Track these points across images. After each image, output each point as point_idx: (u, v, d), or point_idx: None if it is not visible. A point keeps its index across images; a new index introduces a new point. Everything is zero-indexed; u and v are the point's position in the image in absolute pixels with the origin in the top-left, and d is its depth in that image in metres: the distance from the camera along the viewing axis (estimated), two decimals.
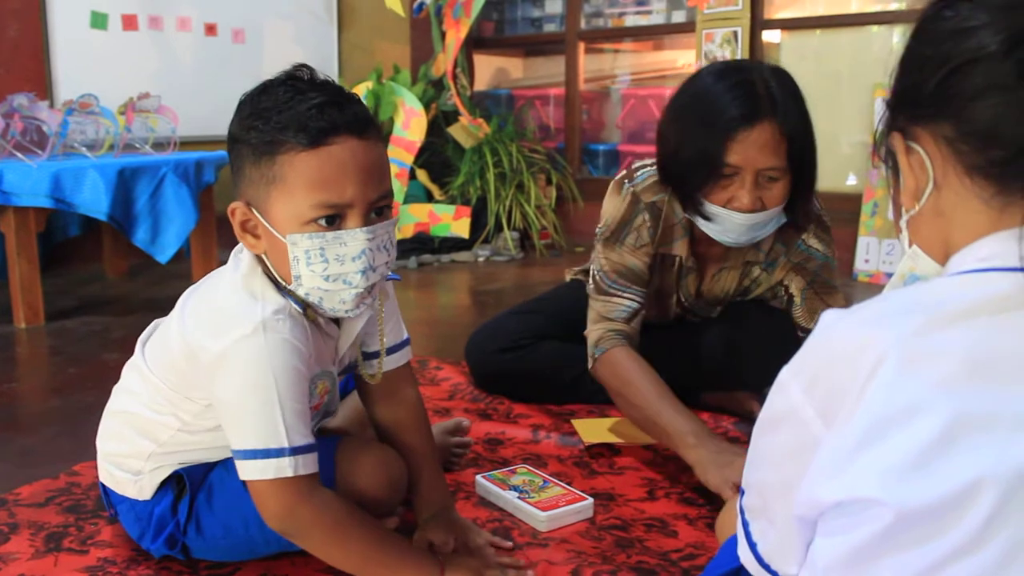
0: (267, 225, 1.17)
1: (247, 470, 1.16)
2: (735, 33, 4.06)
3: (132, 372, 1.37)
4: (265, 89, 1.17)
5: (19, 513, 1.53)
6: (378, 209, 1.18)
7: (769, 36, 4.12)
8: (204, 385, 1.21)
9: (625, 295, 1.78)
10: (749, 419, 2.00)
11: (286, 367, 1.15)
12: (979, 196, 0.74)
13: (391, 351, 1.43)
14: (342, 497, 1.21)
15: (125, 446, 1.34)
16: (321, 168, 1.12)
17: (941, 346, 0.67)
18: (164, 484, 1.33)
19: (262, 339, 1.14)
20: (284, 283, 1.21)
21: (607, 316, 1.77)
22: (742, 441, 1.89)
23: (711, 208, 1.64)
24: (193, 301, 1.27)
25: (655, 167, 1.78)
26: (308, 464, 1.16)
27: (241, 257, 1.25)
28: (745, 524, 0.89)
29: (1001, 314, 0.68)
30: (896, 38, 3.87)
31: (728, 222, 1.64)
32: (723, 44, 4.11)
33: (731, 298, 1.98)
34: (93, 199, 2.90)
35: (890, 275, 3.76)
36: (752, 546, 0.88)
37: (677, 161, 1.65)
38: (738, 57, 4.04)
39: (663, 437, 1.63)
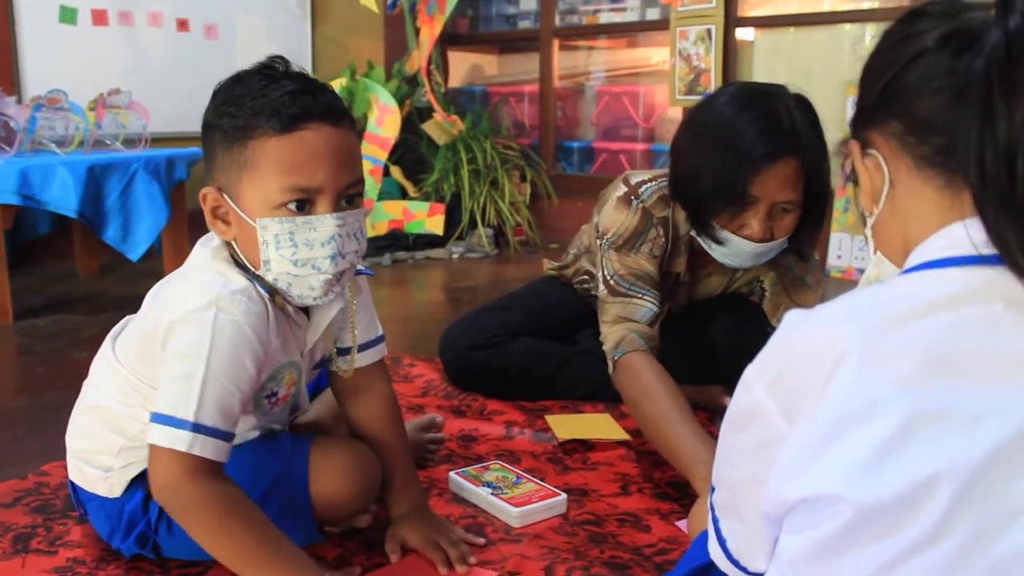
0: (237, 210, 1.18)
1: (151, 433, 1.13)
2: (709, 31, 4.08)
3: (101, 365, 1.36)
4: (239, 78, 1.18)
5: None
6: (349, 197, 1.19)
7: (743, 34, 4.14)
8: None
9: (646, 298, 1.72)
10: (722, 414, 2.01)
11: (227, 349, 1.14)
12: (930, 187, 0.77)
13: (365, 347, 1.43)
14: (238, 493, 1.16)
15: (95, 442, 1.33)
16: (292, 153, 1.13)
17: (900, 343, 0.69)
18: (134, 482, 1.31)
19: (211, 315, 1.14)
20: (253, 268, 1.21)
21: (629, 317, 1.70)
22: (715, 436, 1.89)
23: (722, 233, 1.63)
24: (163, 290, 1.27)
25: (655, 182, 1.77)
26: (208, 448, 1.12)
27: (210, 243, 1.25)
28: (715, 520, 0.90)
29: (957, 309, 0.69)
30: (868, 37, 3.90)
31: (737, 247, 1.64)
32: (697, 42, 4.12)
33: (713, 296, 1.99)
34: (63, 196, 2.86)
35: (862, 270, 3.79)
36: (722, 542, 0.89)
37: (694, 184, 1.62)
38: (711, 55, 4.06)
39: (675, 459, 1.52)
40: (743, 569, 0.87)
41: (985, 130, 0.70)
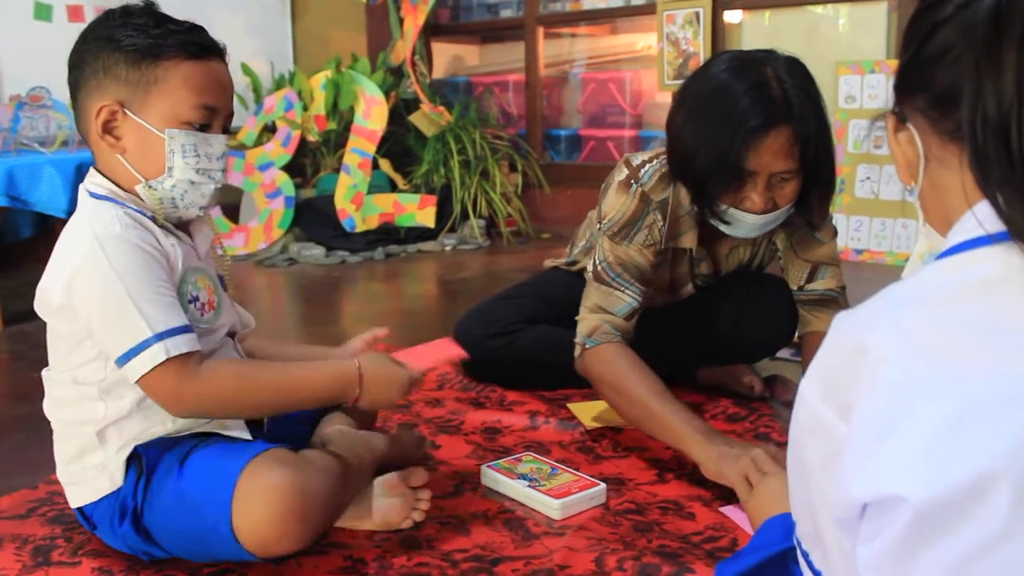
0: (142, 122, 1.25)
1: (131, 372, 1.19)
2: (697, 14, 4.04)
3: (47, 390, 1.36)
4: (126, 12, 1.28)
5: (1, 526, 1.44)
6: (226, 127, 1.34)
7: (730, 17, 4.11)
8: (76, 329, 1.24)
9: (628, 291, 1.71)
10: (747, 396, 1.97)
11: (128, 264, 1.20)
12: (959, 162, 0.73)
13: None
14: (231, 361, 1.30)
15: (76, 444, 1.30)
16: (203, 77, 1.28)
17: (940, 332, 0.66)
18: (130, 465, 1.28)
19: (98, 249, 1.20)
20: (144, 178, 1.27)
21: (606, 308, 1.71)
22: (741, 417, 1.87)
23: (727, 212, 1.61)
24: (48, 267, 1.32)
25: (657, 160, 1.73)
26: (179, 344, 1.20)
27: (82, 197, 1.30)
28: (805, 555, 0.86)
29: (992, 290, 0.67)
30: (841, 21, 3.89)
31: (740, 221, 1.62)
32: (685, 25, 4.09)
33: (746, 265, 1.96)
34: (51, 196, 2.78)
35: (858, 251, 3.78)
36: (817, 574, 0.84)
37: (693, 163, 1.58)
38: (699, 38, 4.03)
39: (665, 433, 1.54)
40: None
41: (976, 104, 0.68)
